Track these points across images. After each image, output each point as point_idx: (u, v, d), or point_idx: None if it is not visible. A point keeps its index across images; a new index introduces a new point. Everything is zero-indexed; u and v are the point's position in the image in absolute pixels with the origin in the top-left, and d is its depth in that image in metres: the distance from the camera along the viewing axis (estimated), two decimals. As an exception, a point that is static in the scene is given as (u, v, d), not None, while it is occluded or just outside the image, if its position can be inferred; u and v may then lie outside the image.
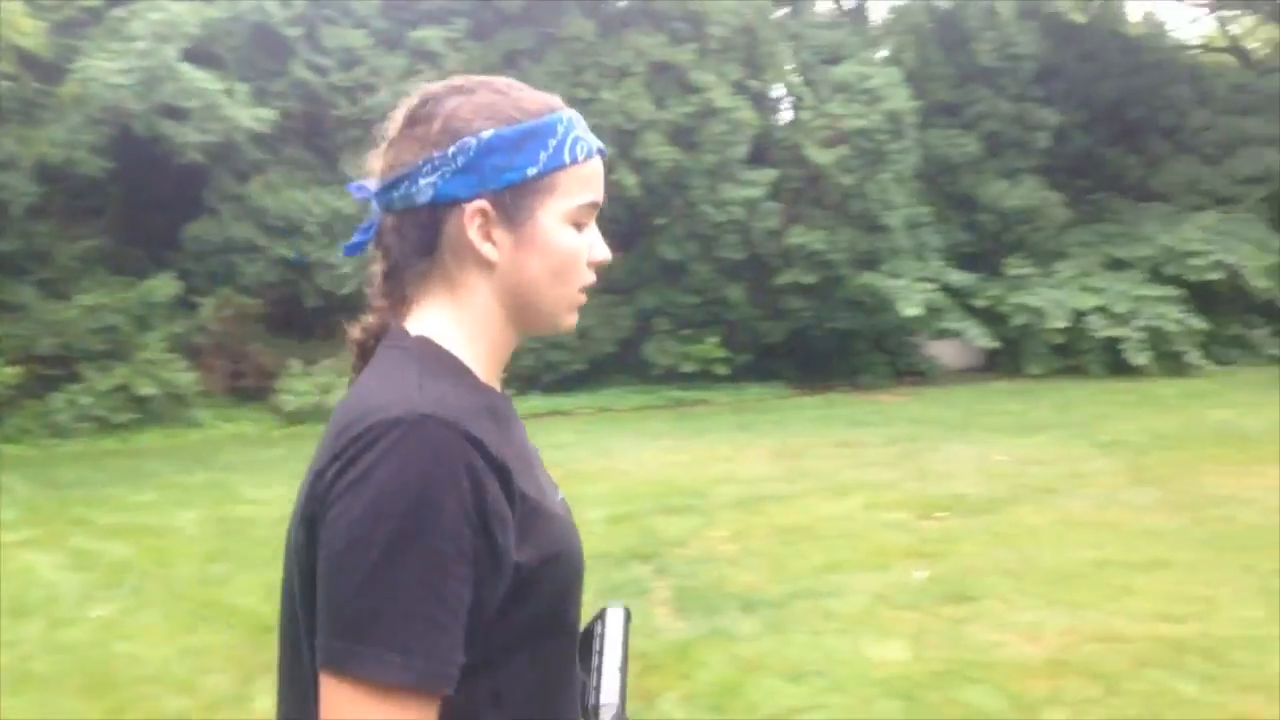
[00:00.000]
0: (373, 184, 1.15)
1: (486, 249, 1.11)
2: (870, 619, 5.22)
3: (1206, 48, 26.94)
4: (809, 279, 15.76)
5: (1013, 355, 17.57)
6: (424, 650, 0.94)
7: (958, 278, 16.96)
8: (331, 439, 1.02)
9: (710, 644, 4.90)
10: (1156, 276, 17.63)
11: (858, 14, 17.96)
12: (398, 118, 1.14)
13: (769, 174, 15.34)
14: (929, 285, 15.87)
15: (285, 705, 1.11)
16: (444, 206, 1.10)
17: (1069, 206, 19.10)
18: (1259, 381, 15.38)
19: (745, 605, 5.52)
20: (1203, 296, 17.63)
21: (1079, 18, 16.11)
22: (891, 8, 18.32)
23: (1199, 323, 16.90)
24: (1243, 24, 27.93)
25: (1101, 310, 16.90)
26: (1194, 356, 16.79)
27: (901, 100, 15.00)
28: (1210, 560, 6.09)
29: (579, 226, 1.15)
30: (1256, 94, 20.75)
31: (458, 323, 1.13)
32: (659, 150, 14.69)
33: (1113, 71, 20.29)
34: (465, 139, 1.09)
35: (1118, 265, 18.01)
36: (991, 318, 17.41)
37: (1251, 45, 27.07)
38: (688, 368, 15.91)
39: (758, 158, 15.95)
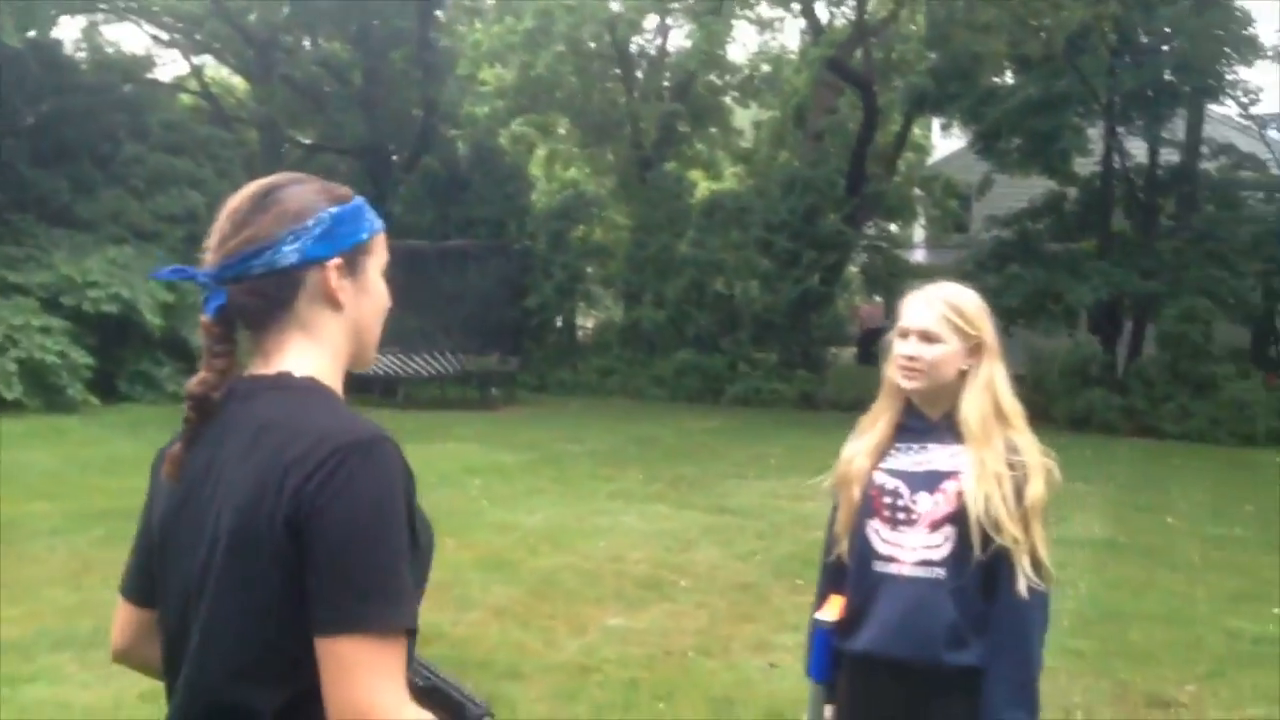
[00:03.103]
0: (211, 265, 1.39)
1: (341, 295, 1.42)
2: None
3: (183, 88, 27.44)
4: None
5: None
6: (412, 603, 1.30)
7: None
8: (296, 457, 1.27)
9: None
10: (51, 306, 16.74)
11: None
12: (240, 208, 1.40)
13: None
14: None
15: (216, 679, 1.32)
16: (306, 266, 1.39)
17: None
18: (141, 419, 15.29)
19: None
20: (107, 330, 17.27)
21: (11, 41, 14.48)
22: None
23: (84, 357, 16.35)
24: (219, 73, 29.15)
25: (-25, 338, 15.47)
26: (77, 391, 16.16)
27: None
28: None
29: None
30: (187, 134, 21.26)
31: (322, 361, 1.42)
32: None
33: (42, 89, 19.19)
34: (319, 214, 1.40)
35: (10, 291, 16.77)
36: None
37: (219, 92, 28.26)
38: None
39: None
